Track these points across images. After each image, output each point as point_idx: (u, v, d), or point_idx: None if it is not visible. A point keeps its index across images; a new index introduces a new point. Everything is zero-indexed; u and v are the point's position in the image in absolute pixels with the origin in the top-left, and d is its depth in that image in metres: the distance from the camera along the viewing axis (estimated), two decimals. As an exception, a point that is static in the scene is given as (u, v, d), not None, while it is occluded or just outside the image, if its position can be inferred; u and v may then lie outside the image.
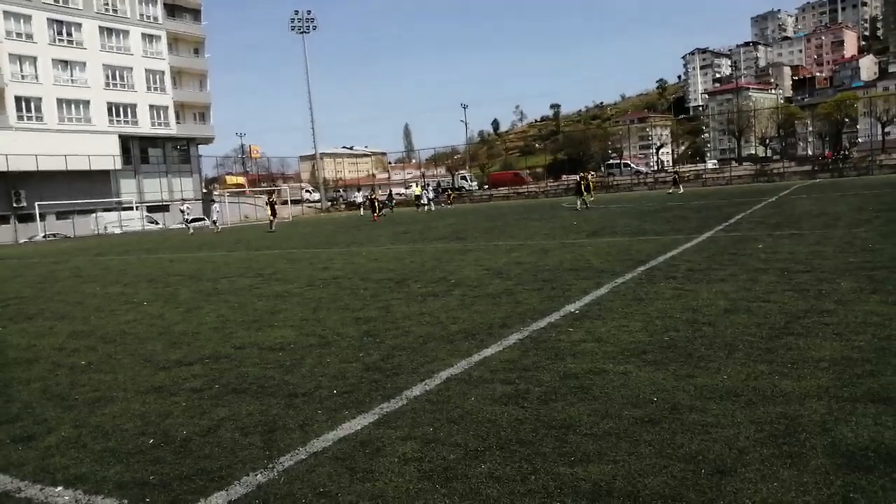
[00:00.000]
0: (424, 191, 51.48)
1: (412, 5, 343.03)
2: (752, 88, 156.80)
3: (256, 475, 3.29)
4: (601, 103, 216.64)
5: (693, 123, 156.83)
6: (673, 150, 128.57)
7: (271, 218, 33.70)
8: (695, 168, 77.63)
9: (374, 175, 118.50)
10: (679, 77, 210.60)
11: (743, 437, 3.31)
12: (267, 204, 37.07)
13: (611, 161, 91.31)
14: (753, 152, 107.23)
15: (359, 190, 53.04)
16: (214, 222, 38.10)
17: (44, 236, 51.25)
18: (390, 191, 58.03)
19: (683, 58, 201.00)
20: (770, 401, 3.79)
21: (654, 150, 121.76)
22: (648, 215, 21.40)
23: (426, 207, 46.15)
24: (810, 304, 6.16)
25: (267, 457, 3.52)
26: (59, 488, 3.33)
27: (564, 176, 77.03)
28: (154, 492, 3.20)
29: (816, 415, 3.54)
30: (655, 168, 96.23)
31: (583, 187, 30.01)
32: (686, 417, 3.63)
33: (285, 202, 69.96)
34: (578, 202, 29.30)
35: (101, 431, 4.14)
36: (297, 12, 70.04)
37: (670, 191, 43.65)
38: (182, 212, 40.78)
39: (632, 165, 78.43)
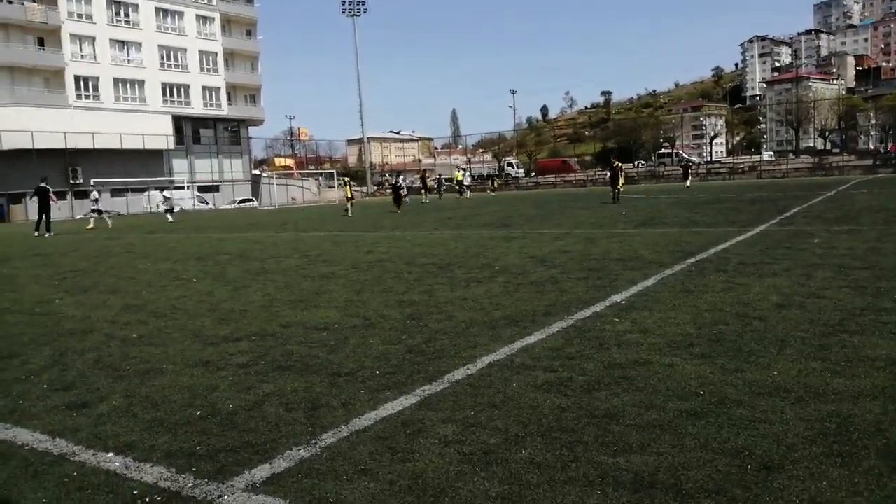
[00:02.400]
0: (399, 180, 39.80)
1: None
2: (813, 78, 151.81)
3: (299, 450, 3.34)
4: (654, 91, 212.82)
5: (749, 113, 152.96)
6: (727, 141, 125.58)
7: (350, 198, 31.59)
8: (750, 160, 75.57)
9: (419, 160, 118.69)
10: (736, 65, 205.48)
11: (792, 434, 3.22)
12: (345, 185, 33.39)
13: (662, 150, 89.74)
14: (812, 145, 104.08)
15: (399, 174, 50.12)
16: (169, 211, 33.97)
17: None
18: (439, 175, 57.60)
19: (741, 45, 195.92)
20: (821, 399, 3.68)
21: (708, 140, 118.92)
22: (700, 206, 20.97)
23: (405, 200, 35.24)
24: (867, 302, 5.95)
25: (310, 433, 3.57)
26: (111, 454, 3.44)
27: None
28: (200, 462, 3.28)
29: (870, 415, 3.42)
30: (709, 158, 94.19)
31: (620, 177, 27.50)
32: (733, 412, 3.55)
33: (331, 186, 70.76)
34: (616, 191, 26.88)
35: (151, 402, 4.25)
36: (348, -6, 70.35)
37: (687, 185, 41.08)
38: (166, 198, 34.99)
39: (683, 155, 76.91)
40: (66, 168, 54.90)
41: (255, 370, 4.85)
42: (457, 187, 51.30)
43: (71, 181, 55.08)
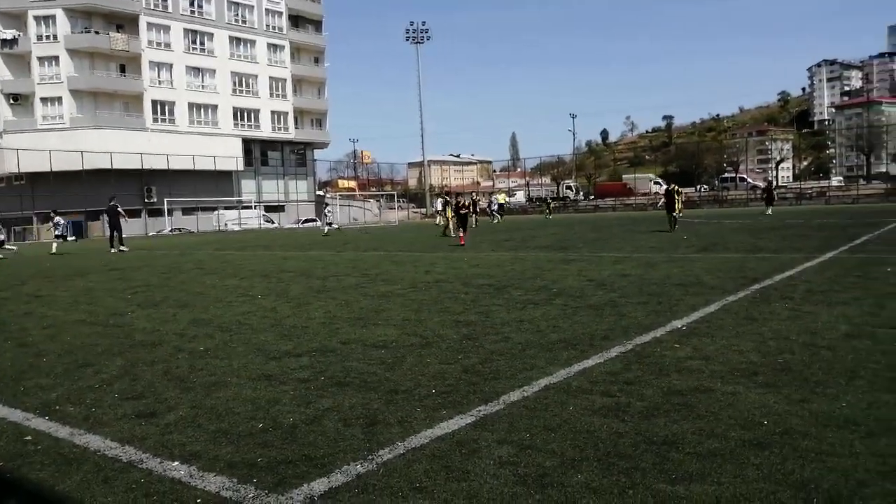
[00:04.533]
0: (326, 212, 38.87)
1: (523, 17, 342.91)
2: (886, 102, 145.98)
3: (356, 465, 3.40)
4: (717, 115, 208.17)
5: (817, 138, 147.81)
6: (794, 166, 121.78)
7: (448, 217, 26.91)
8: (818, 185, 73.07)
9: (478, 182, 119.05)
10: (803, 89, 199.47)
11: (862, 469, 3.10)
12: (446, 205, 29.04)
13: (725, 175, 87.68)
14: (884, 170, 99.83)
15: (440, 195, 46.56)
16: (61, 237, 26.43)
17: (170, 230, 54.86)
18: (491, 198, 57.43)
19: (809, 69, 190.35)
20: (894, 432, 3.53)
21: (774, 165, 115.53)
22: (764, 232, 20.37)
23: (327, 228, 36.43)
24: (946, 334, 5.67)
25: (367, 448, 3.62)
26: (176, 463, 3.56)
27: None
28: (261, 473, 3.36)
29: (948, 452, 3.26)
30: (775, 183, 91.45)
31: (677, 201, 23.49)
32: (799, 443, 3.44)
33: (392, 208, 71.67)
34: (672, 218, 23.16)
35: (215, 413, 4.39)
36: (412, 23, 71.76)
37: (767, 213, 35.04)
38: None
39: (748, 180, 74.94)
40: (141, 188, 57.32)
41: (315, 385, 4.95)
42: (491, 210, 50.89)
43: (145, 200, 57.46)
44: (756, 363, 5.03)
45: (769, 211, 35.47)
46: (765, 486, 2.97)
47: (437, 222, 44.83)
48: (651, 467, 3.23)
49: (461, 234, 21.89)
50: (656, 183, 78.96)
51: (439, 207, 50.45)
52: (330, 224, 36.67)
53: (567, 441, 3.62)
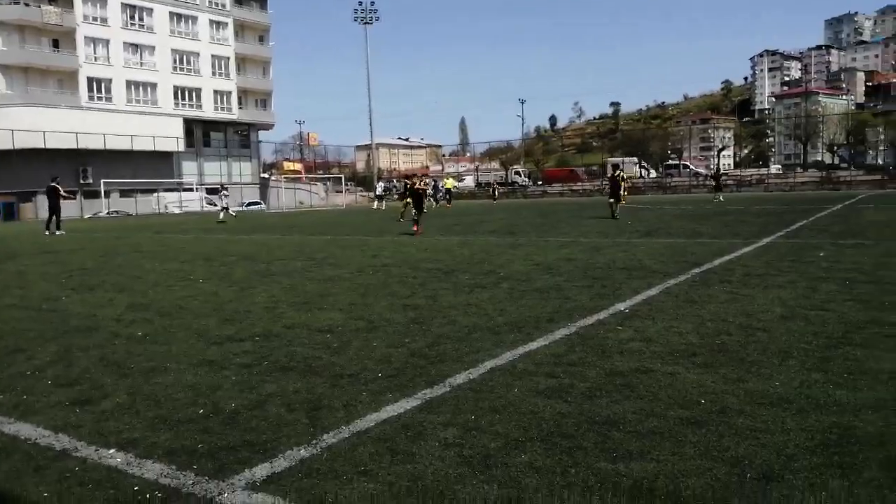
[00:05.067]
0: (221, 195, 34.77)
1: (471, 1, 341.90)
2: (823, 93, 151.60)
3: (300, 450, 3.36)
4: (663, 103, 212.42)
5: (758, 127, 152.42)
6: (735, 153, 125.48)
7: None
8: (757, 172, 75.38)
9: (427, 167, 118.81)
10: (745, 79, 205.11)
11: (792, 445, 3.22)
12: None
13: (670, 162, 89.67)
14: (820, 159, 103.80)
15: (381, 179, 44.30)
16: None
17: (107, 213, 53.10)
18: (434, 182, 56.29)
19: (751, 59, 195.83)
20: (823, 410, 3.68)
21: (716, 153, 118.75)
22: (706, 218, 20.93)
23: (224, 214, 32.18)
24: (872, 316, 5.93)
25: (311, 433, 3.58)
26: (112, 450, 3.45)
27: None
28: (201, 460, 3.29)
29: (872, 427, 3.41)
30: (716, 170, 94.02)
31: (622, 188, 22.70)
32: (734, 421, 3.55)
33: (339, 191, 70.93)
34: (616, 207, 22.20)
35: (154, 399, 4.27)
36: (360, 3, 70.66)
37: (719, 199, 35.07)
38: None
39: (691, 167, 76.77)
40: (76, 168, 55.20)
41: (258, 370, 4.87)
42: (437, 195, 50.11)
43: (81, 181, 55.37)
44: (695, 344, 5.17)
45: (720, 197, 35.89)
46: (702, 463, 3.06)
47: (374, 206, 44.41)
48: (593, 446, 3.29)
49: (416, 224, 18.88)
50: (643, 167, 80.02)
51: (380, 192, 50.06)
52: (226, 208, 33.39)
53: (512, 422, 3.65)
